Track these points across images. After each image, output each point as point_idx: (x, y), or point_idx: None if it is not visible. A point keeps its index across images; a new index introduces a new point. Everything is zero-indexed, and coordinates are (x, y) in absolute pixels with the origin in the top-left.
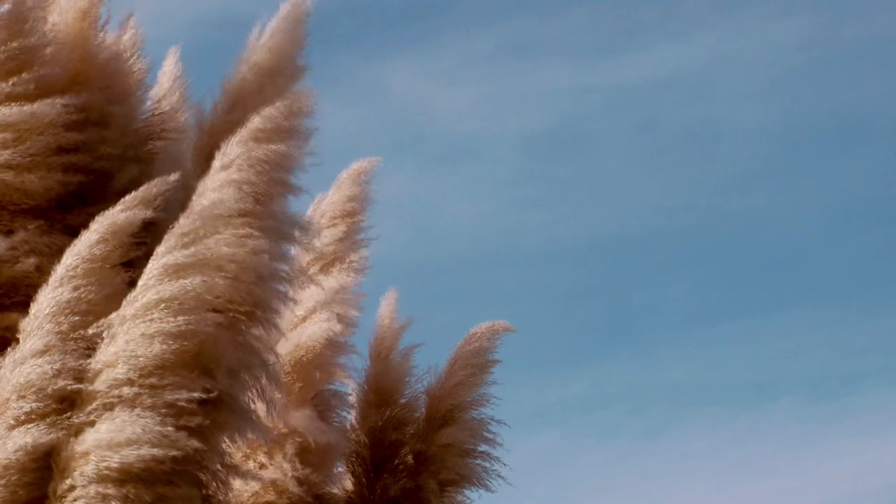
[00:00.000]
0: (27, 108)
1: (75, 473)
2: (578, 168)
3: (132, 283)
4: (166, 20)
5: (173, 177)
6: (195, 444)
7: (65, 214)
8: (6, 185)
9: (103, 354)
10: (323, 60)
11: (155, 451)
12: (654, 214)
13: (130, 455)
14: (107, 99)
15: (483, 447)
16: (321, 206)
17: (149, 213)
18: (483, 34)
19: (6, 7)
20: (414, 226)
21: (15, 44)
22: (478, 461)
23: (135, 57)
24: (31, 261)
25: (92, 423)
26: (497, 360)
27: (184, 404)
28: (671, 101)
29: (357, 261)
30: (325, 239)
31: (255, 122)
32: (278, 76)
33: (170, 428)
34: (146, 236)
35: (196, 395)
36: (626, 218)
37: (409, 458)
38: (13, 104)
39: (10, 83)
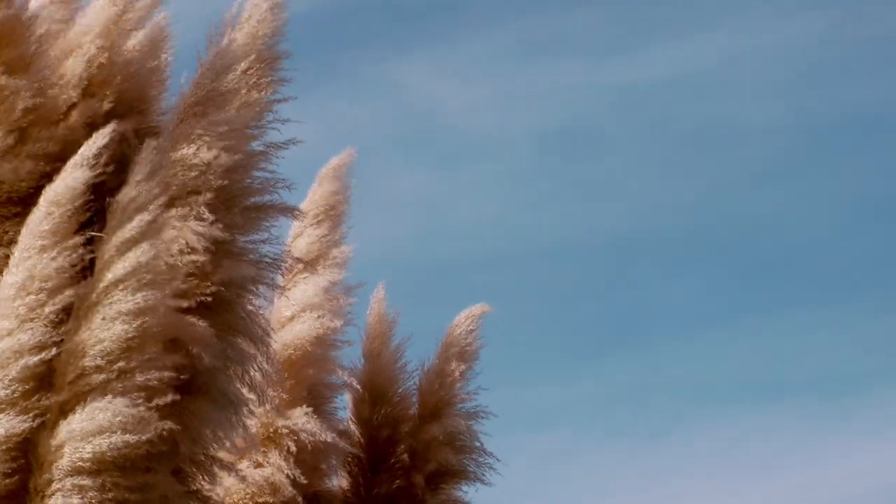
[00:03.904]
0: None
1: (52, 467)
2: (589, 166)
3: (86, 244)
4: (177, 21)
5: (108, 129)
6: (168, 424)
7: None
8: None
9: (69, 344)
10: (337, 58)
11: (127, 437)
12: (663, 213)
13: (102, 443)
14: (120, 103)
15: (474, 442)
16: (304, 204)
17: (90, 174)
18: (496, 32)
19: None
20: (425, 223)
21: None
22: (471, 456)
23: (156, 58)
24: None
25: (65, 416)
26: (480, 345)
27: (155, 384)
28: (683, 100)
29: (340, 255)
30: (310, 237)
31: (210, 93)
32: (252, 61)
33: (141, 408)
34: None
35: (167, 374)
36: (636, 216)
37: (405, 457)
38: None
39: None
